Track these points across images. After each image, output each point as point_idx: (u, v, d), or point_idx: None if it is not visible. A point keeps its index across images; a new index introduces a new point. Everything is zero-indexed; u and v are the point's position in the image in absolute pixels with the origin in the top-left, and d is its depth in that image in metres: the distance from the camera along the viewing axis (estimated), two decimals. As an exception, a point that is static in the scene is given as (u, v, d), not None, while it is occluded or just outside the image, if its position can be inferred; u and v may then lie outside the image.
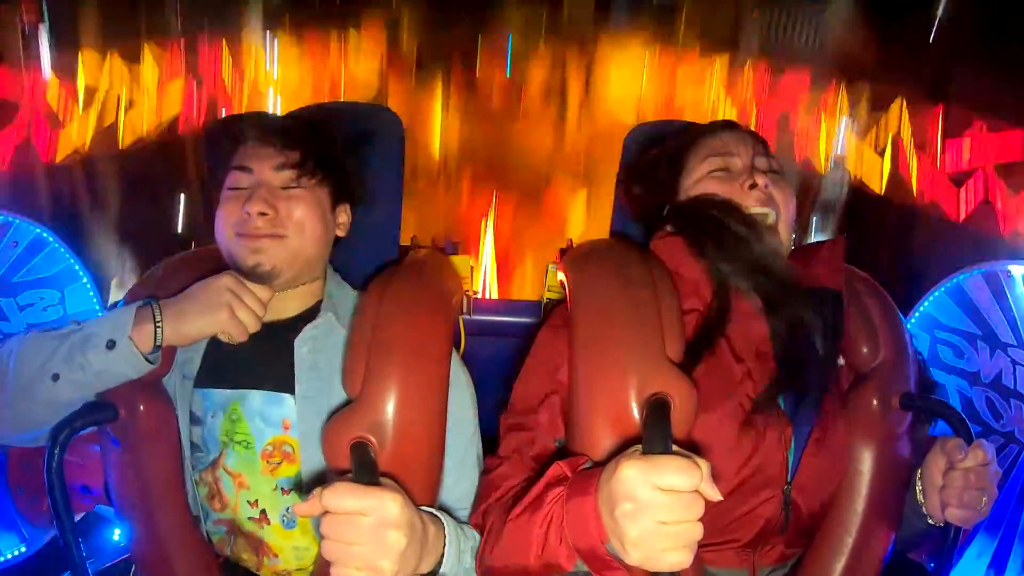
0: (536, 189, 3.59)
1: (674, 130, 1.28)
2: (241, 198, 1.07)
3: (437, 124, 3.63)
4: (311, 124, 1.17)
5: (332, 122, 1.24)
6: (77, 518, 1.03)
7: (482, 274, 3.48)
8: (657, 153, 1.23)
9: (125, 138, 3.01)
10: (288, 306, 1.14)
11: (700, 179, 1.13)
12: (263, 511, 1.09)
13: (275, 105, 3.51)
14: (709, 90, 3.39)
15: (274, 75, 3.45)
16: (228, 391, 1.09)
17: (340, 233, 1.19)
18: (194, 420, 1.10)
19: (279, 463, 1.08)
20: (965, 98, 2.61)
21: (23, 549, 1.80)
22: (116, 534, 1.73)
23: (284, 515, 1.09)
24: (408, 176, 1.39)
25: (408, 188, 1.38)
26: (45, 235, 1.66)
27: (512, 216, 3.59)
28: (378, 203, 1.28)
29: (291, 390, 1.07)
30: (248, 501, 1.09)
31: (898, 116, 2.88)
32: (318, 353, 1.09)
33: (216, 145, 1.14)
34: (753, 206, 1.07)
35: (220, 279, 1.04)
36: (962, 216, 2.60)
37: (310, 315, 1.13)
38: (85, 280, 1.70)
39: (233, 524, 1.11)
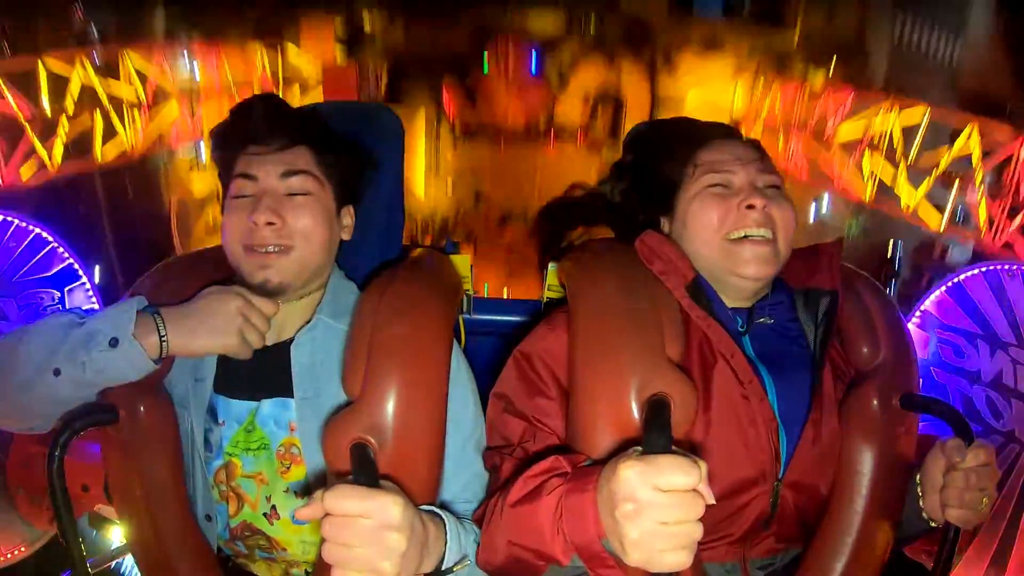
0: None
1: (669, 138, 1.24)
2: (246, 207, 1.06)
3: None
4: (318, 125, 1.15)
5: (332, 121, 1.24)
6: (77, 518, 1.03)
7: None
8: (653, 164, 1.20)
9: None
10: (291, 323, 1.13)
11: (697, 194, 1.11)
12: (274, 507, 1.10)
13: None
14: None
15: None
16: (244, 403, 1.10)
17: (345, 236, 1.18)
18: (213, 420, 1.11)
19: (288, 467, 1.09)
20: None
21: (24, 549, 1.80)
22: (117, 534, 1.73)
23: (294, 512, 1.09)
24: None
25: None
26: (45, 235, 1.66)
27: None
28: (379, 203, 1.28)
29: (293, 394, 1.08)
30: (266, 496, 1.10)
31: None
32: (315, 355, 1.09)
33: (221, 148, 1.12)
34: (750, 227, 1.06)
35: (230, 301, 1.02)
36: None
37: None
38: (85, 280, 1.70)
39: (245, 523, 1.12)
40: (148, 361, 0.99)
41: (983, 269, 2.07)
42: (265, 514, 1.10)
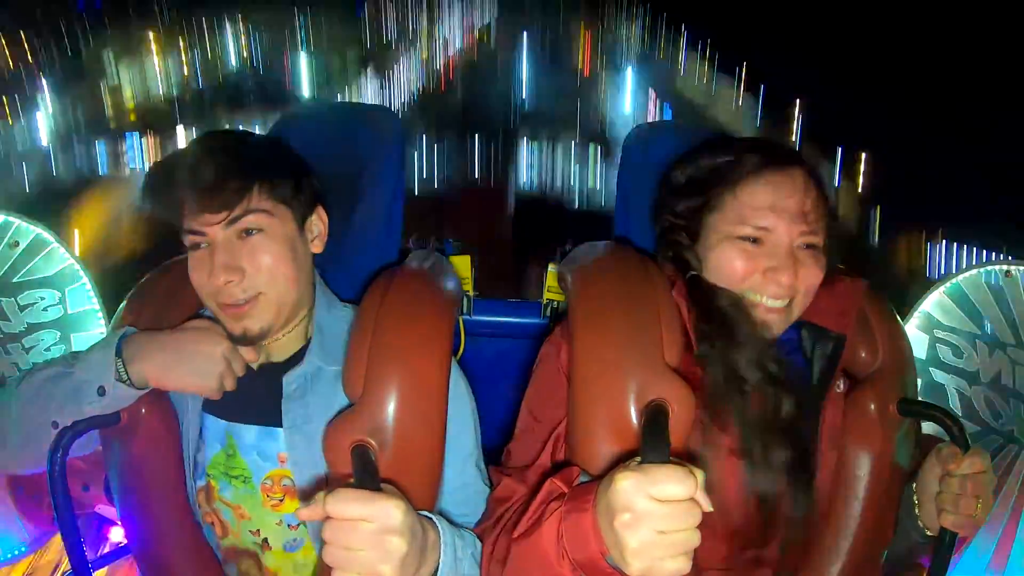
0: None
1: (711, 152, 1.09)
2: (205, 262, 1.02)
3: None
4: (257, 156, 1.06)
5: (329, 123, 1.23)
6: (78, 518, 1.03)
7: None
8: (688, 181, 1.10)
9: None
10: (281, 350, 1.12)
11: (726, 238, 1.03)
12: (265, 539, 1.09)
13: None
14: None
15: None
16: (223, 422, 1.10)
17: (316, 249, 1.12)
18: (198, 438, 1.11)
19: (281, 499, 1.07)
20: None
21: (23, 549, 1.80)
22: (117, 534, 1.74)
23: (288, 543, 1.09)
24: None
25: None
26: (46, 235, 1.66)
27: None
28: (378, 205, 1.27)
29: (281, 423, 1.07)
30: (250, 530, 1.09)
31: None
32: (307, 386, 1.08)
33: (159, 206, 1.05)
34: (768, 298, 1.01)
35: (216, 345, 1.03)
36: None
37: (302, 355, 1.11)
38: (85, 281, 1.70)
39: (235, 548, 1.12)
40: (138, 393, 1.02)
41: (981, 270, 2.07)
42: (255, 543, 1.10)
